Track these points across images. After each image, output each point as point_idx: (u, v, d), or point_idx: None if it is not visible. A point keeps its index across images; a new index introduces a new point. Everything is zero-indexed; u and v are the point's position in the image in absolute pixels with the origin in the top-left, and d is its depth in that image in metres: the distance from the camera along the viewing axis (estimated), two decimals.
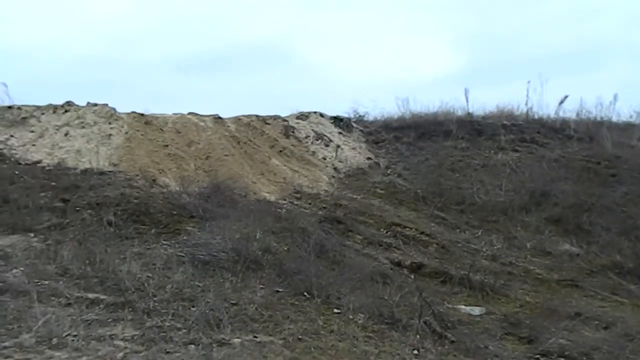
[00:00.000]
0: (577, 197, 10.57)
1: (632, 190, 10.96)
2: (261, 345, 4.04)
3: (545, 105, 14.31)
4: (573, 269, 8.50)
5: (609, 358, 4.53)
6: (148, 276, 5.10)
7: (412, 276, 6.84)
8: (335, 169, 11.90)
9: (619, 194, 10.90)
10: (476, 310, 6.01)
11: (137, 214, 7.14)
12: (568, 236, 9.72)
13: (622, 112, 14.22)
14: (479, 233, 9.46)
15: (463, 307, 6.12)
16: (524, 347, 4.88)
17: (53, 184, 8.05)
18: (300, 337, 4.24)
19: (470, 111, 14.19)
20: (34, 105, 10.54)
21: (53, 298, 4.50)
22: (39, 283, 4.77)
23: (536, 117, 14.23)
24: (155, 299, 4.60)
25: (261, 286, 5.29)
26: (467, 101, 14.23)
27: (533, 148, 13.08)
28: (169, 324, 4.16)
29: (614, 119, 14.11)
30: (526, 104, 14.26)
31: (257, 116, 12.46)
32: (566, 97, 14.13)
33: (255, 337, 4.16)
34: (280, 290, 5.29)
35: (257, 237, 6.34)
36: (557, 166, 12.06)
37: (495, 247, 8.61)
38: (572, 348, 4.69)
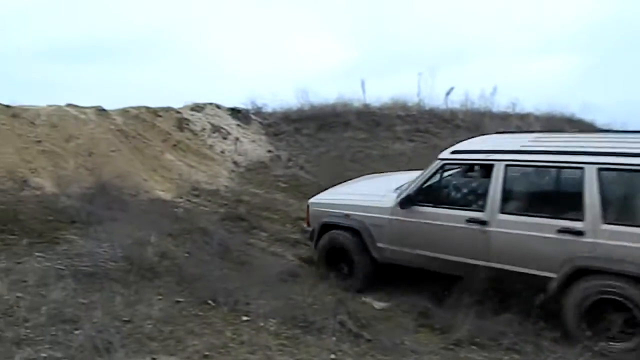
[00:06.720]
0: None
1: None
2: None
3: (436, 96, 14.93)
4: None
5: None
6: (18, 297, 4.29)
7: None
8: (234, 162, 11.37)
9: None
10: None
11: (4, 222, 6.09)
12: None
13: (501, 103, 15.29)
14: None
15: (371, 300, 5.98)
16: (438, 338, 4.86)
17: None
18: (206, 353, 3.76)
19: (367, 102, 14.44)
20: None
21: None
22: None
23: (427, 107, 14.83)
24: (27, 324, 3.85)
25: (159, 297, 4.68)
26: (363, 93, 14.45)
27: (427, 138, 13.62)
28: (45, 354, 3.47)
29: (494, 109, 15.16)
30: (418, 95, 14.82)
31: (147, 108, 11.47)
32: (452, 88, 14.87)
33: (154, 358, 3.62)
34: (181, 300, 4.73)
35: (152, 241, 5.67)
36: None
37: None
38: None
